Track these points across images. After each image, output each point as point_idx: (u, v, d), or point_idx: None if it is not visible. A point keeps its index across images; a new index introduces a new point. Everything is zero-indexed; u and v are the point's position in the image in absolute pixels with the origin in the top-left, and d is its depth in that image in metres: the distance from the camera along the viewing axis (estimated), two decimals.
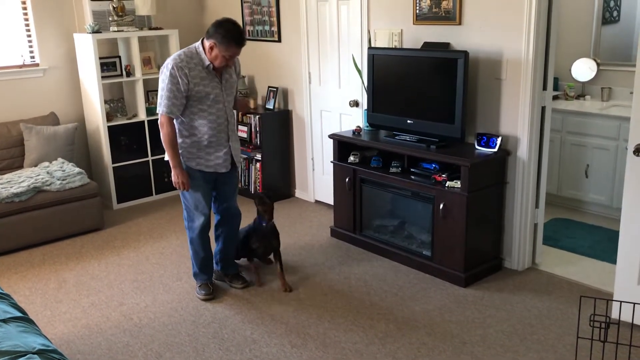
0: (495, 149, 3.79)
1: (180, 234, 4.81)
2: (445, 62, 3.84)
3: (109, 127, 5.37)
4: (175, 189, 3.90)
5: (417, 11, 4.19)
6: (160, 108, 3.45)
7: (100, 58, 5.28)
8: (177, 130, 3.56)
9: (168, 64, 3.43)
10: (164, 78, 3.42)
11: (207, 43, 3.41)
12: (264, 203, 3.88)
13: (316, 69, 5.17)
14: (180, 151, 3.57)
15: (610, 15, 5.18)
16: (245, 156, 5.59)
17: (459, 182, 3.73)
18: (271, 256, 4.12)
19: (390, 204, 4.34)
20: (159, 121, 3.50)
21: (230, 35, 3.36)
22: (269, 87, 5.59)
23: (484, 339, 3.24)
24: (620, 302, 2.95)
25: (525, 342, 3.20)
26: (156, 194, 5.76)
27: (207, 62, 3.44)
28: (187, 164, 3.58)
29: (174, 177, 3.56)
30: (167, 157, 3.59)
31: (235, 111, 3.81)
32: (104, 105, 5.32)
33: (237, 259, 4.12)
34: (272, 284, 3.95)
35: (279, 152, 5.58)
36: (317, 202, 5.52)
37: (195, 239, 3.74)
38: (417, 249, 4.12)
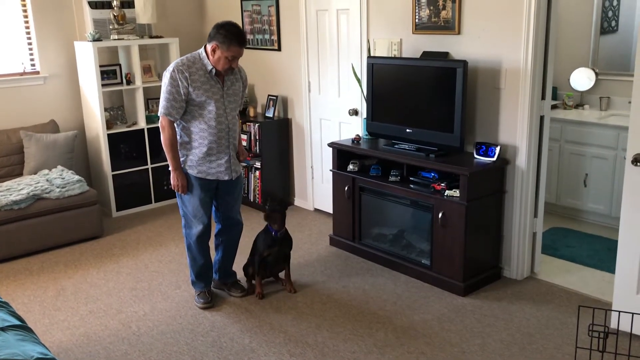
0: (494, 158, 3.80)
1: (179, 242, 4.80)
2: (444, 72, 3.85)
3: (109, 135, 5.38)
4: (174, 196, 3.90)
5: (417, 20, 4.21)
6: (160, 110, 3.48)
7: (100, 66, 5.29)
8: (178, 137, 3.57)
9: (170, 67, 3.46)
10: (165, 81, 3.45)
11: (209, 46, 3.43)
12: (273, 212, 3.79)
13: (316, 77, 5.19)
14: (182, 158, 3.58)
15: (608, 25, 5.21)
16: (244, 164, 5.60)
17: (458, 191, 3.74)
18: (281, 274, 4.05)
19: (389, 213, 4.34)
20: (159, 123, 3.53)
21: (232, 35, 3.37)
22: (268, 95, 5.61)
23: (483, 349, 3.24)
24: (619, 312, 2.94)
25: (524, 352, 3.20)
26: (155, 201, 5.76)
27: (210, 67, 3.45)
28: (188, 172, 3.58)
29: (172, 179, 3.58)
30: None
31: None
32: (104, 113, 5.34)
33: (252, 277, 3.96)
34: (271, 292, 3.94)
35: (278, 161, 5.59)
36: (316, 210, 5.52)
37: (193, 246, 3.74)
38: (416, 257, 4.12)
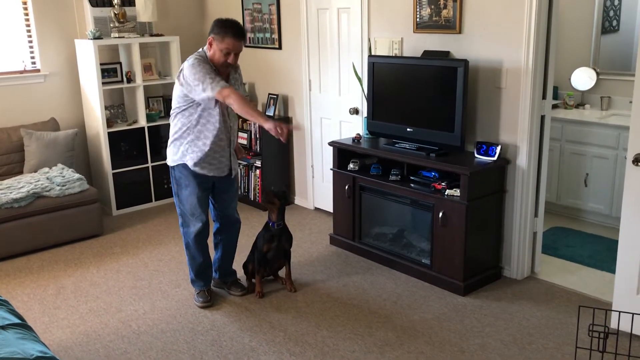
0: (495, 158, 3.80)
1: (179, 241, 4.80)
2: (445, 71, 3.85)
3: (109, 133, 5.38)
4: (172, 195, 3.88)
5: (418, 19, 4.20)
6: (216, 86, 3.27)
7: (101, 64, 5.29)
8: (181, 133, 3.53)
9: (189, 59, 3.39)
10: (195, 70, 3.31)
11: (207, 41, 3.41)
12: (271, 202, 3.80)
13: (316, 76, 5.19)
14: (185, 155, 3.53)
15: (609, 25, 5.20)
16: (245, 163, 5.60)
17: (458, 191, 3.73)
18: (282, 273, 4.04)
19: (389, 212, 4.34)
20: (223, 98, 3.27)
21: (227, 26, 3.33)
22: (269, 94, 5.60)
23: (483, 348, 3.23)
24: (619, 312, 2.94)
25: (524, 352, 3.19)
26: (156, 200, 5.76)
27: (213, 67, 3.42)
28: (192, 169, 3.55)
29: (274, 130, 3.21)
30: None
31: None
32: (104, 111, 5.33)
33: (252, 276, 3.97)
34: (271, 291, 3.94)
35: (278, 159, 5.59)
36: (316, 209, 5.52)
37: (191, 244, 3.73)
38: (416, 257, 4.12)
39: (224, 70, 3.48)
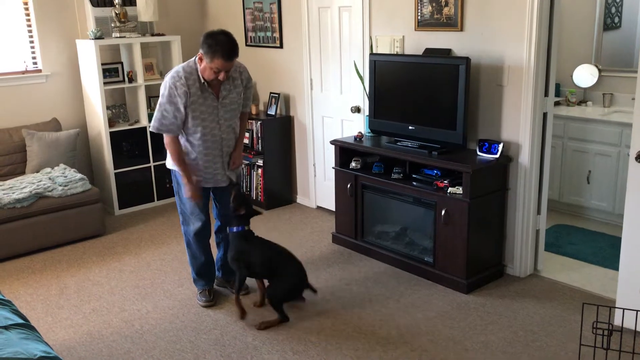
0: (497, 155, 3.79)
1: (182, 240, 4.77)
2: (447, 69, 3.84)
3: (111, 133, 5.38)
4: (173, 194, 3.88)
5: (419, 17, 4.20)
6: (154, 123, 3.40)
7: (102, 64, 5.29)
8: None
9: (167, 81, 3.35)
10: (163, 92, 3.35)
11: (198, 54, 3.34)
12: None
13: (318, 75, 5.18)
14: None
15: (611, 22, 5.19)
16: (247, 162, 5.59)
17: (460, 189, 3.73)
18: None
19: (391, 210, 4.33)
20: (164, 141, 3.49)
21: (217, 46, 3.22)
22: (270, 93, 5.60)
23: (486, 346, 3.23)
24: (623, 309, 2.94)
25: (528, 349, 3.19)
26: (158, 200, 5.76)
27: (203, 80, 3.37)
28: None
29: (185, 192, 3.53)
30: (170, 166, 3.60)
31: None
32: (105, 111, 5.33)
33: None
34: None
35: (280, 158, 5.59)
36: (318, 208, 5.52)
37: (192, 243, 3.73)
38: (419, 255, 4.11)
39: (215, 83, 3.43)
